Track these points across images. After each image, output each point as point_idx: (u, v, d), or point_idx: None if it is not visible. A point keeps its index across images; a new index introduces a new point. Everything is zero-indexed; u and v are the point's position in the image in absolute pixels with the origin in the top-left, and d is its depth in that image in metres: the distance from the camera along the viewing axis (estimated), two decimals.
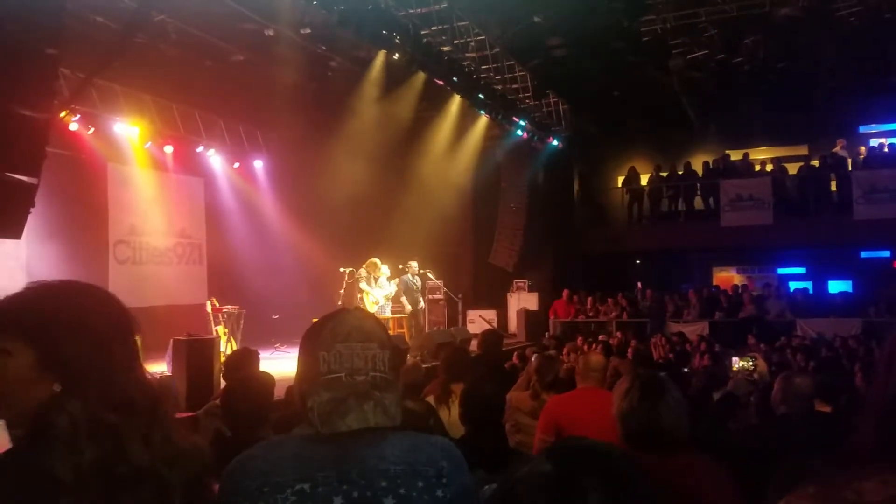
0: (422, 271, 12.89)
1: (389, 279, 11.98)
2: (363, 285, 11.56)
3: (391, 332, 11.13)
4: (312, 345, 1.51)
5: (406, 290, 12.27)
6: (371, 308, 11.49)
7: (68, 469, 1.20)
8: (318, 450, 1.44)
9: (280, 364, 8.31)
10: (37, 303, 1.35)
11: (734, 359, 9.01)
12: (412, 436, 1.52)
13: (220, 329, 11.30)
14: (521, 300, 16.42)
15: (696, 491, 2.12)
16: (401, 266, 12.39)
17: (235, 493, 1.41)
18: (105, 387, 1.29)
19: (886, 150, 16.31)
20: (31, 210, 6.59)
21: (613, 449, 1.06)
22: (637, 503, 0.99)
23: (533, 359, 5.74)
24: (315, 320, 1.58)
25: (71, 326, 1.31)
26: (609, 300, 15.98)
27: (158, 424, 1.32)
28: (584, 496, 0.96)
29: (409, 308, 12.27)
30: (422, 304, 12.84)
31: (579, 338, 11.93)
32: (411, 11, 11.19)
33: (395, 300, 12.25)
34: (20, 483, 1.19)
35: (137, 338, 1.41)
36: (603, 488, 0.97)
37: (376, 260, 11.79)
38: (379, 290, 11.71)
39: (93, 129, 11.93)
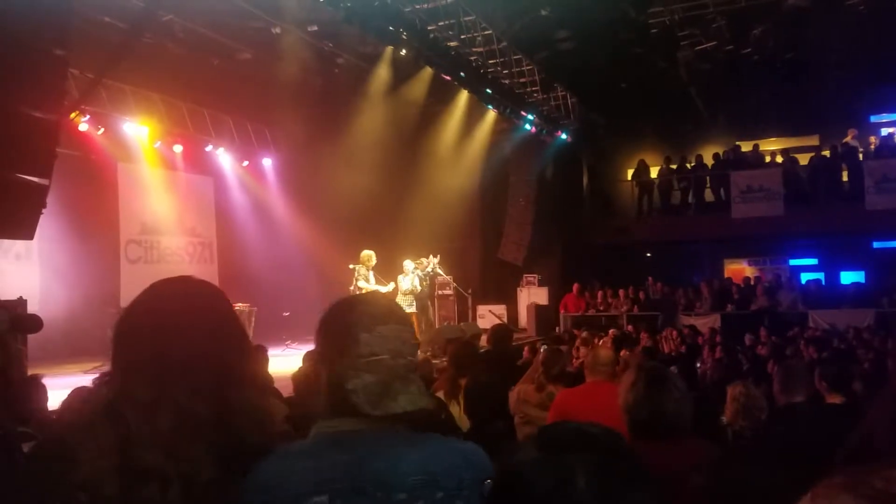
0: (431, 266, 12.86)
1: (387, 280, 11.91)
2: (362, 283, 11.50)
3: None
4: (346, 326, 1.45)
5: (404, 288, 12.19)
6: None
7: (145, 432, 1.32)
8: (332, 458, 1.37)
9: (291, 361, 8.32)
10: (150, 295, 1.47)
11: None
12: (433, 441, 1.44)
13: None
14: (532, 295, 16.40)
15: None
16: (403, 263, 12.31)
17: None
18: (180, 381, 1.37)
19: None
20: (43, 211, 6.63)
21: (600, 428, 1.02)
22: (626, 478, 0.97)
23: (541, 351, 5.75)
24: (333, 304, 1.55)
25: (159, 326, 1.41)
26: (620, 293, 15.94)
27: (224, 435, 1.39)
28: (573, 475, 0.94)
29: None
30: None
31: (583, 333, 10.89)
32: (418, 7, 11.18)
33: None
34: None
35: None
36: (591, 466, 0.95)
37: (370, 252, 11.69)
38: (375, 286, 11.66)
39: (102, 130, 12.01)
